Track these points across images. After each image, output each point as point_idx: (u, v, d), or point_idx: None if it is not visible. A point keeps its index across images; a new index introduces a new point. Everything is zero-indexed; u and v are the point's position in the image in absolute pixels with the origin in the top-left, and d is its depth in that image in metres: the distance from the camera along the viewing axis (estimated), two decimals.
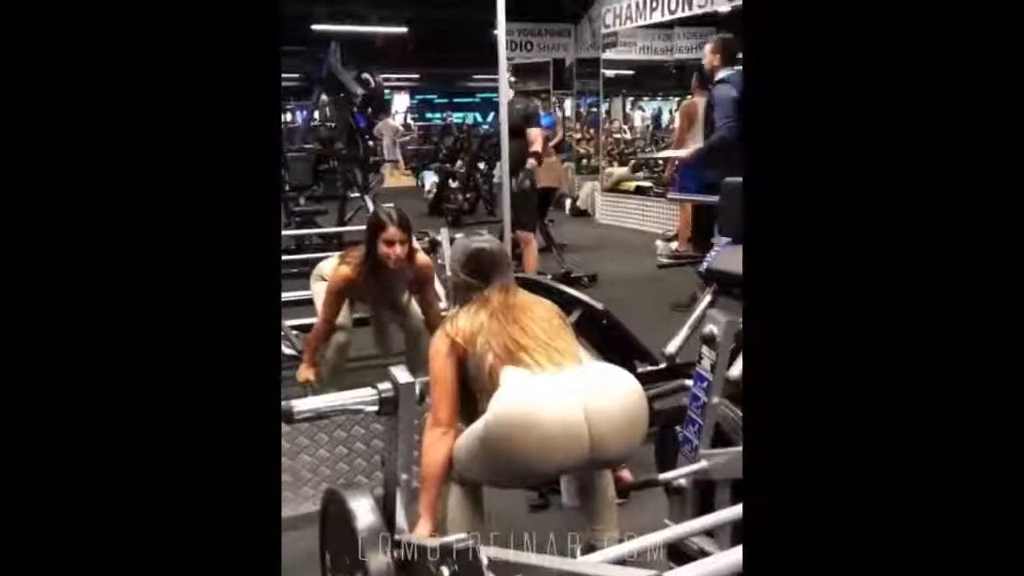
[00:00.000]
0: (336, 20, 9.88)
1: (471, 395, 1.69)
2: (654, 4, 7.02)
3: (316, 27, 9.78)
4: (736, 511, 1.40)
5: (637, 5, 7.27)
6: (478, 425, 1.55)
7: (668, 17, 7.02)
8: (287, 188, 6.30)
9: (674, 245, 6.05)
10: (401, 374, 1.45)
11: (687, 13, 6.70)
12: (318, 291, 2.91)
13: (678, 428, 2.26)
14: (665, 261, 5.68)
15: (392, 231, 2.53)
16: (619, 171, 9.03)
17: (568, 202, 9.02)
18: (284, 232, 5.89)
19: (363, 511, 1.45)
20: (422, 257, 2.80)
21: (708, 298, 2.52)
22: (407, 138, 14.35)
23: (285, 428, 2.12)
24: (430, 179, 9.46)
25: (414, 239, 2.88)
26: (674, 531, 1.43)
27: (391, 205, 2.72)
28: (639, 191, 8.11)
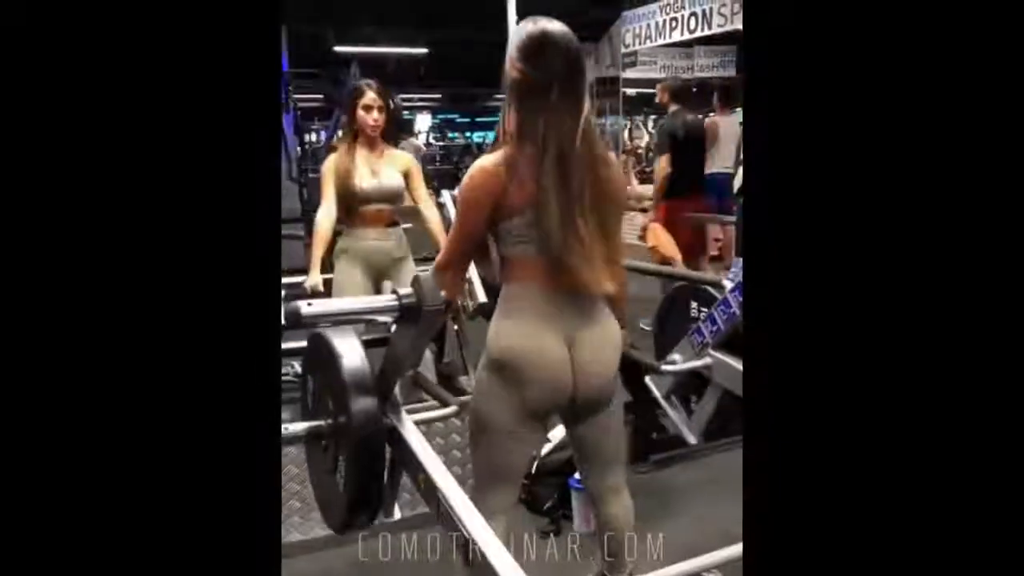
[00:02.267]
0: (356, 42, 10.00)
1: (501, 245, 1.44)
2: (674, 24, 7.01)
3: (337, 49, 9.91)
4: None
5: (657, 25, 7.27)
6: (480, 364, 1.53)
7: (688, 36, 7.01)
8: (307, 209, 6.35)
9: None
10: (429, 284, 1.24)
11: (707, 32, 6.68)
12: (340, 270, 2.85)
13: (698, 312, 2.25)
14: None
15: (370, 96, 2.68)
16: (640, 189, 8.99)
17: None
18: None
19: (350, 353, 1.29)
20: (403, 153, 2.89)
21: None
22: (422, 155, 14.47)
23: (296, 453, 2.09)
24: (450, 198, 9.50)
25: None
26: (689, 565, 1.39)
27: (370, 81, 2.77)
28: None
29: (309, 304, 1.25)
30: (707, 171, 5.62)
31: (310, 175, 6.59)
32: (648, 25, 7.42)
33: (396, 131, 7.35)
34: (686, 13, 6.80)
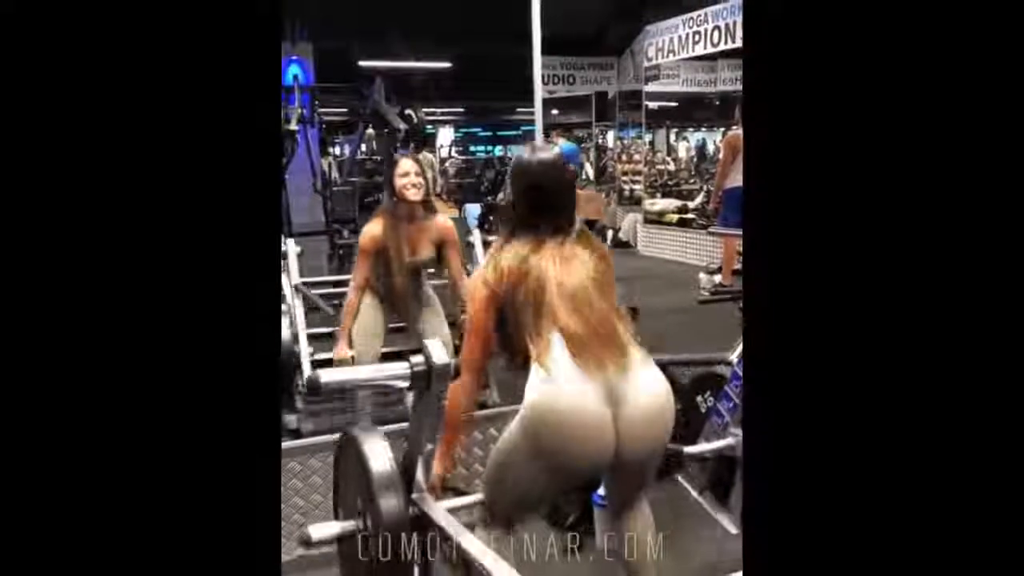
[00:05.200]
0: (381, 57, 10.11)
1: (517, 333, 1.54)
2: (696, 37, 7.01)
3: (362, 63, 10.03)
4: None
5: (680, 39, 7.28)
6: (515, 422, 1.49)
7: (711, 50, 7.01)
8: (331, 221, 6.41)
9: (717, 278, 5.96)
10: (436, 350, 1.37)
11: (730, 46, 6.67)
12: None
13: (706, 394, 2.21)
14: (706, 295, 5.57)
15: (406, 164, 2.76)
16: (663, 203, 8.97)
17: (610, 233, 8.99)
18: (328, 265, 5.99)
19: (377, 453, 1.38)
20: (444, 220, 2.94)
21: None
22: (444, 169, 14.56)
23: (302, 465, 2.10)
24: (474, 212, 9.54)
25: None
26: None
27: (406, 152, 2.81)
28: (682, 223, 8.03)
29: (328, 373, 1.39)
30: (731, 184, 5.60)
31: (334, 188, 6.64)
32: (671, 39, 7.43)
33: (417, 147, 7.36)
34: (709, 27, 6.80)
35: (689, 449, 1.96)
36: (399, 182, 2.74)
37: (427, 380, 1.37)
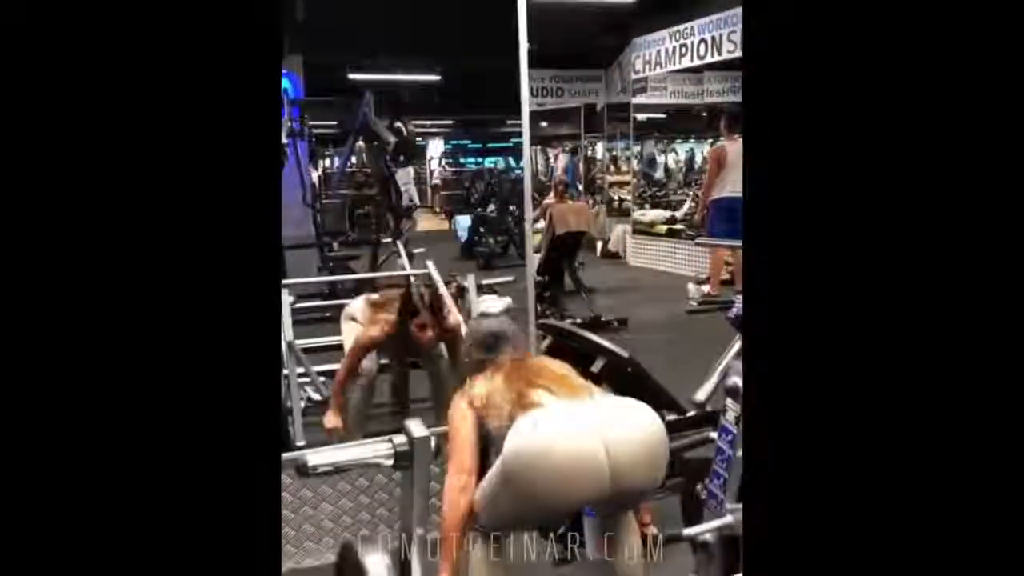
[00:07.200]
0: (370, 70, 10.13)
1: (487, 454, 1.68)
2: (683, 50, 7.08)
3: (352, 76, 10.05)
4: None
5: (667, 51, 7.34)
6: (496, 465, 1.53)
7: (697, 63, 7.07)
8: (321, 234, 6.42)
9: (706, 288, 6.00)
10: (416, 427, 1.46)
11: (716, 58, 6.74)
12: (347, 331, 2.93)
13: (705, 481, 2.21)
14: (695, 306, 5.61)
15: (424, 316, 2.63)
16: (652, 214, 9.02)
17: (599, 244, 9.03)
18: (318, 278, 5.99)
19: (376, 567, 1.44)
20: (452, 319, 2.81)
21: (737, 345, 2.48)
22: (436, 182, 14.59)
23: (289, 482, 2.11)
24: (464, 224, 9.57)
25: (443, 288, 2.89)
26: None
27: (429, 266, 2.74)
28: (671, 234, 8.08)
29: (316, 453, 1.50)
30: (717, 195, 5.64)
31: (323, 201, 6.65)
32: (658, 52, 7.49)
33: (407, 160, 7.34)
34: (695, 40, 6.87)
35: (688, 531, 1.97)
36: (415, 332, 2.63)
37: (410, 458, 1.46)
